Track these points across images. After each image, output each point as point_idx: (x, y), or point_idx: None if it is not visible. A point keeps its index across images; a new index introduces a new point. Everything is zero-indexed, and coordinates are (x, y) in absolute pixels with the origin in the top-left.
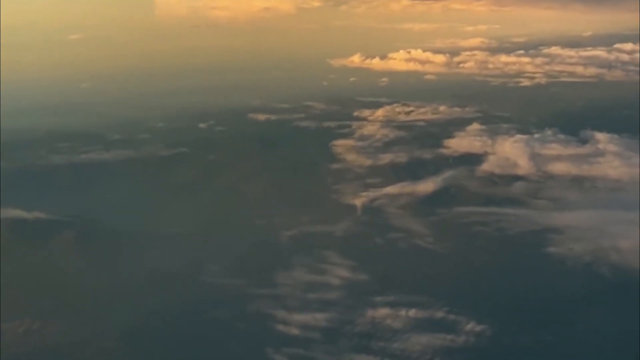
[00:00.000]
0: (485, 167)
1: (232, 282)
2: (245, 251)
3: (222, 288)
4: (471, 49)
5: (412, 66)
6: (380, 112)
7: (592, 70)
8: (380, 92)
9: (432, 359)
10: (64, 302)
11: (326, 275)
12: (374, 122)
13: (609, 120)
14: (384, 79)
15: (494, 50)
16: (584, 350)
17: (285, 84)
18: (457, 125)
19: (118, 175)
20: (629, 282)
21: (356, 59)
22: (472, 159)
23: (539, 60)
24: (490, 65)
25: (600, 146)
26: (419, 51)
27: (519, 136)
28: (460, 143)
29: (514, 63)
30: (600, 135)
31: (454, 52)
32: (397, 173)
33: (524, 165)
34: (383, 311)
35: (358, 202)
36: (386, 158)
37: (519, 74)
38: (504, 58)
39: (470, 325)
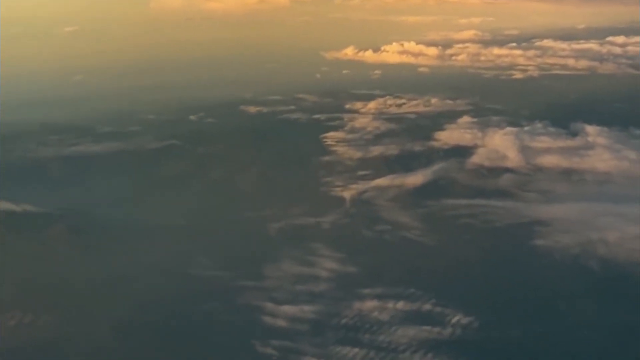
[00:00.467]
0: (475, 159)
1: (221, 275)
2: (234, 243)
3: (211, 281)
4: (464, 41)
5: (405, 59)
6: (371, 105)
7: (584, 63)
8: (372, 84)
9: (418, 352)
10: (55, 295)
11: (314, 268)
12: (366, 115)
13: (599, 113)
14: (376, 72)
15: (487, 43)
16: (571, 343)
17: (278, 76)
18: (448, 117)
19: (107, 168)
20: (617, 274)
21: (349, 52)
22: (462, 152)
23: (531, 52)
24: (483, 58)
25: (590, 139)
26: (412, 44)
27: (509, 129)
28: (450, 135)
29: (507, 55)
30: (590, 128)
31: (447, 44)
32: (388, 165)
33: (513, 158)
34: (370, 303)
35: (347, 194)
36: (376, 150)
37: (512, 67)
38: (496, 50)
39: (457, 318)
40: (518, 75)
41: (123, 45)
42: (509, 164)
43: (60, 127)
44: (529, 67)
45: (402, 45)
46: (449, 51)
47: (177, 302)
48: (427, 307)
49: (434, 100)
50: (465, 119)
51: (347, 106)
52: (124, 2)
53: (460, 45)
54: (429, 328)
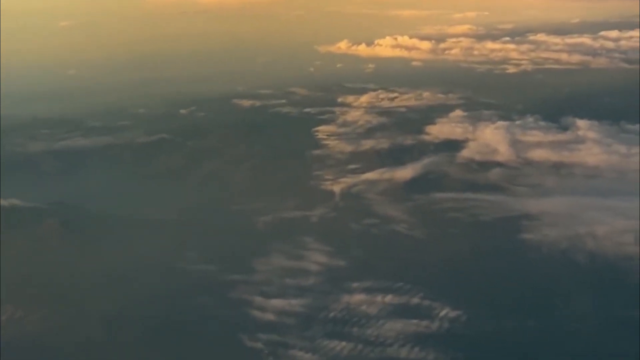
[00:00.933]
0: (466, 153)
1: (210, 269)
2: (224, 237)
3: (200, 274)
4: (459, 35)
5: (398, 53)
6: (364, 99)
7: (576, 58)
8: (366, 78)
9: (405, 345)
10: (44, 289)
11: (304, 261)
12: (357, 108)
13: (591, 107)
14: (370, 66)
15: (481, 37)
16: (559, 336)
17: (272, 70)
18: (440, 111)
19: (96, 162)
20: (605, 268)
21: (343, 46)
22: (452, 145)
23: (524, 47)
24: (476, 52)
25: (581, 133)
26: (406, 38)
27: (500, 123)
28: (441, 129)
29: (500, 50)
30: (581, 122)
31: (442, 38)
32: (378, 159)
33: (504, 152)
34: (359, 297)
35: (337, 188)
36: (367, 144)
37: (505, 61)
38: (489, 45)
39: (445, 312)
40: (511, 69)
41: (117, 40)
42: (499, 158)
43: (51, 121)
44: (523, 62)
45: (396, 39)
46: (442, 45)
47: (166, 296)
48: (415, 300)
49: (426, 94)
50: (457, 113)
51: (340, 100)
52: None
53: (454, 40)
54: (416, 321)
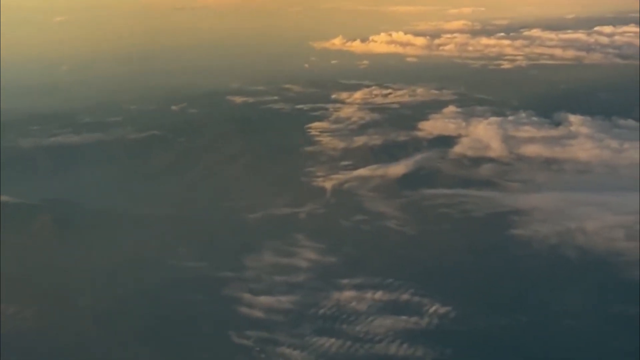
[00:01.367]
0: (458, 149)
1: (202, 266)
2: (215, 234)
3: (191, 272)
4: (454, 31)
5: (393, 49)
6: (357, 95)
7: (571, 53)
8: (360, 74)
9: (394, 342)
10: (35, 285)
11: (294, 258)
12: (351, 105)
13: (583, 103)
14: (364, 62)
15: (476, 33)
16: (549, 332)
17: (267, 66)
18: (433, 107)
19: (86, 158)
20: (595, 263)
21: (337, 42)
22: (445, 141)
23: (519, 42)
24: (471, 48)
25: (573, 128)
26: (401, 34)
27: (492, 118)
28: (434, 125)
29: (495, 46)
30: (574, 118)
31: (437, 34)
32: (371, 155)
33: (496, 148)
34: (349, 294)
35: (329, 184)
36: (360, 140)
37: (500, 57)
38: (484, 40)
39: (435, 308)
40: (506, 65)
41: (112, 36)
42: (491, 153)
43: (42, 117)
44: (517, 57)
45: (390, 35)
46: (437, 41)
47: (157, 293)
48: (405, 296)
49: (419, 90)
50: (451, 108)
51: (333, 96)
52: None
53: (449, 35)
54: (406, 318)
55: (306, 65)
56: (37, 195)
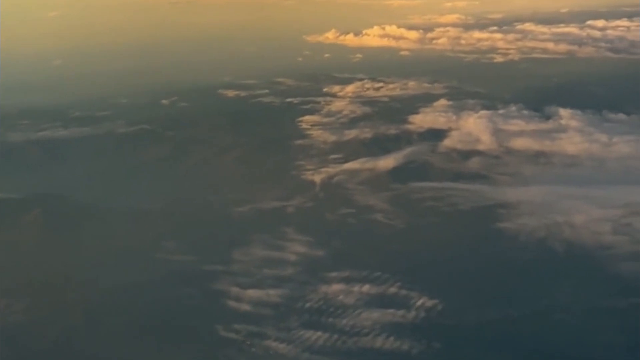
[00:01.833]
0: (448, 142)
1: (190, 259)
2: (204, 228)
3: (180, 265)
4: (447, 25)
5: (386, 42)
6: (349, 88)
7: (563, 47)
8: (353, 68)
9: (381, 335)
10: (24, 280)
11: (283, 252)
12: (343, 99)
13: (574, 96)
14: (358, 55)
15: (470, 27)
16: (536, 326)
17: (261, 60)
18: (424, 101)
19: (75, 153)
20: (582, 257)
21: (330, 35)
22: (435, 135)
23: (511, 36)
24: (463, 42)
25: (563, 122)
26: (394, 27)
27: (483, 112)
28: (425, 119)
29: (487, 39)
30: (564, 111)
31: (430, 28)
32: (361, 149)
33: (485, 141)
34: (337, 287)
35: (318, 178)
36: (351, 134)
37: (493, 50)
38: (477, 34)
39: (422, 301)
40: (499, 59)
41: (105, 30)
42: (481, 147)
43: (33, 111)
44: (510, 51)
45: (384, 29)
46: (430, 35)
47: (146, 287)
48: (393, 290)
49: (411, 84)
50: (442, 102)
51: (325, 90)
52: None
53: (442, 29)
54: (393, 311)
55: (299, 59)
56: (25, 190)
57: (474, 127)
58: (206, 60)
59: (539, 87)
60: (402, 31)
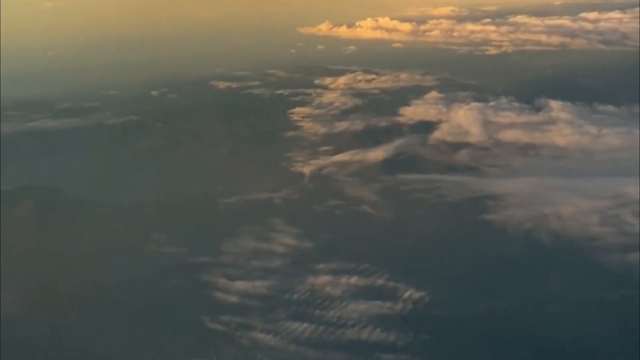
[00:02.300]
0: (438, 134)
1: (180, 251)
2: (194, 220)
3: (169, 257)
4: (441, 17)
5: (379, 34)
6: (341, 80)
7: (556, 39)
8: (346, 60)
9: (367, 327)
10: (18, 272)
11: (271, 243)
12: (334, 90)
13: (565, 88)
14: (351, 47)
15: (463, 19)
16: (522, 318)
17: (255, 52)
18: (416, 93)
19: (63, 144)
20: (569, 248)
21: (324, 27)
22: (425, 127)
23: (504, 28)
24: (456, 34)
25: (554, 114)
26: (387, 19)
27: (473, 104)
28: (415, 111)
29: (480, 32)
30: (555, 103)
31: (423, 20)
32: (352, 141)
33: (475, 133)
34: (324, 279)
35: (307, 169)
36: (341, 126)
37: (485, 43)
38: (469, 26)
39: (409, 293)
40: (491, 51)
41: (99, 22)
42: (471, 139)
43: (23, 102)
44: (503, 43)
45: (377, 21)
46: (423, 27)
47: (135, 279)
48: (380, 281)
49: (403, 76)
50: (433, 94)
51: (317, 82)
52: None
53: (435, 21)
54: (380, 303)
55: (293, 51)
56: (13, 183)
57: (464, 119)
58: (199, 52)
59: (531, 79)
60: (395, 23)
